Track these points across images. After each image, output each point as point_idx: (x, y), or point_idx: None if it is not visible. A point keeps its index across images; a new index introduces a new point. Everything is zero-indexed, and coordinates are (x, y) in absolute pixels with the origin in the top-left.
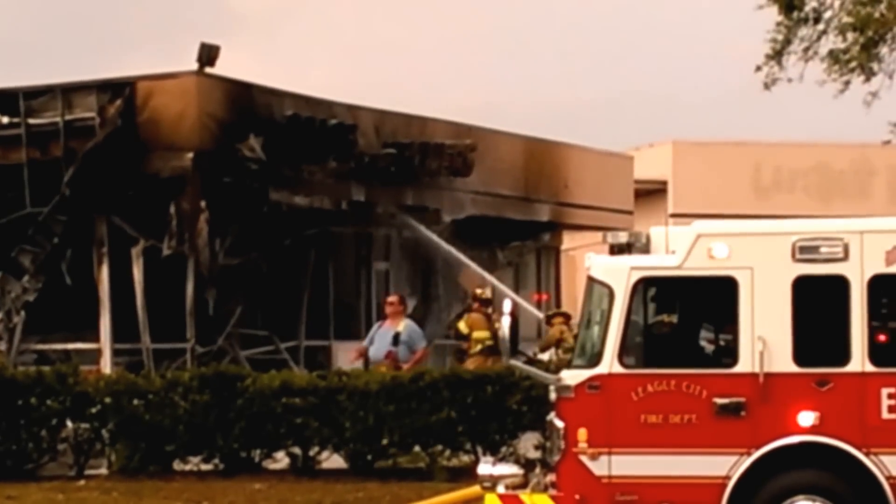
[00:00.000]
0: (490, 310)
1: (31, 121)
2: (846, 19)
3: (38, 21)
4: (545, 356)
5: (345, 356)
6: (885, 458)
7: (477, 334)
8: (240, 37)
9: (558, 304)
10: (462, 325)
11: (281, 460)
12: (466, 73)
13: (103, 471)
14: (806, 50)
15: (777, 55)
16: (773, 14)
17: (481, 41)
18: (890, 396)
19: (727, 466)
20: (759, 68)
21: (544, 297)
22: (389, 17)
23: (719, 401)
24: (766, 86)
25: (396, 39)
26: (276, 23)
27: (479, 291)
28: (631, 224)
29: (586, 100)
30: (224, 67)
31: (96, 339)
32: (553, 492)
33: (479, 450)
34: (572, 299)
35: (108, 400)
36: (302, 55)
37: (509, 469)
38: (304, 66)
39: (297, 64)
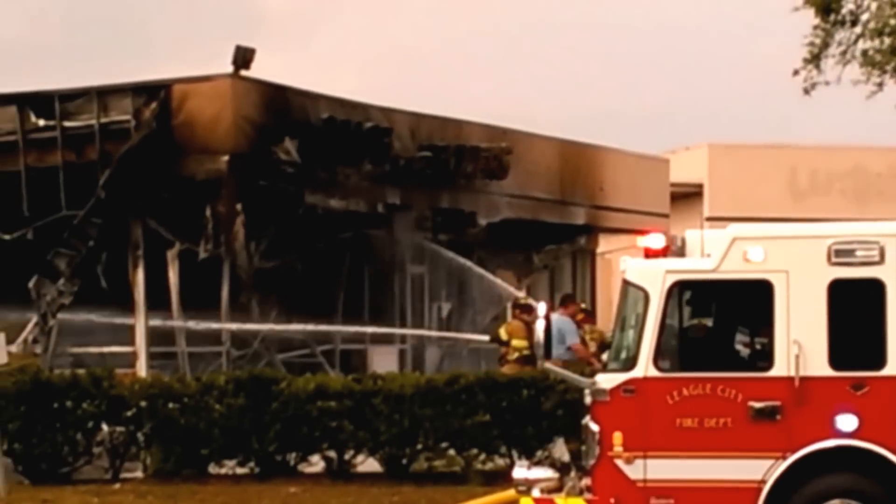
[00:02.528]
0: (530, 317)
1: (67, 124)
2: (872, 25)
3: (73, 24)
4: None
5: (380, 359)
6: None
7: (516, 342)
8: (274, 40)
9: (594, 308)
10: (502, 332)
11: (316, 464)
12: (502, 76)
13: (139, 474)
14: (843, 53)
15: (815, 59)
16: (810, 17)
17: (517, 45)
18: None
19: (763, 470)
20: (796, 72)
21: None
22: (423, 19)
23: (755, 404)
24: (806, 91)
25: (431, 42)
26: (309, 26)
27: (519, 298)
28: (667, 227)
29: (622, 102)
30: (258, 70)
31: (132, 342)
32: (588, 496)
33: (515, 453)
34: (607, 303)
35: (143, 403)
36: (336, 58)
37: (544, 473)
38: (338, 69)
39: (330, 67)
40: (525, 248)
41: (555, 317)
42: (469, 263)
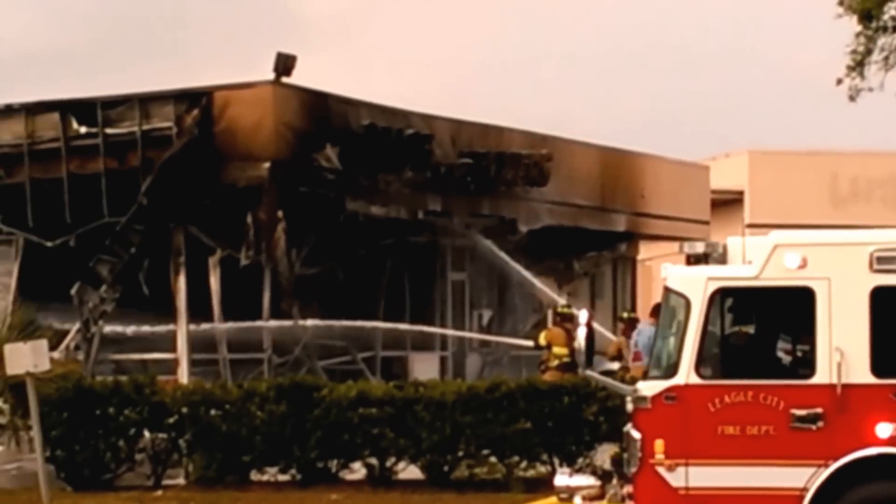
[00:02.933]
0: (570, 324)
1: (109, 131)
2: None
3: (115, 31)
4: (615, 365)
5: (421, 366)
6: None
7: (556, 349)
8: (315, 46)
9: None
10: (542, 338)
11: (357, 471)
12: (542, 82)
13: (180, 481)
14: (886, 59)
15: (858, 66)
16: (852, 24)
17: (557, 50)
18: None
19: (804, 478)
20: (840, 81)
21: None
22: (464, 25)
23: (796, 412)
24: (852, 98)
25: (471, 48)
26: (350, 32)
27: (560, 307)
28: (707, 234)
29: (663, 109)
30: (299, 77)
31: (173, 349)
32: (630, 503)
33: (556, 461)
34: (648, 310)
35: (185, 410)
36: (377, 64)
37: (586, 480)
38: (379, 76)
39: (371, 73)
40: (566, 256)
41: (646, 327)
42: (518, 267)
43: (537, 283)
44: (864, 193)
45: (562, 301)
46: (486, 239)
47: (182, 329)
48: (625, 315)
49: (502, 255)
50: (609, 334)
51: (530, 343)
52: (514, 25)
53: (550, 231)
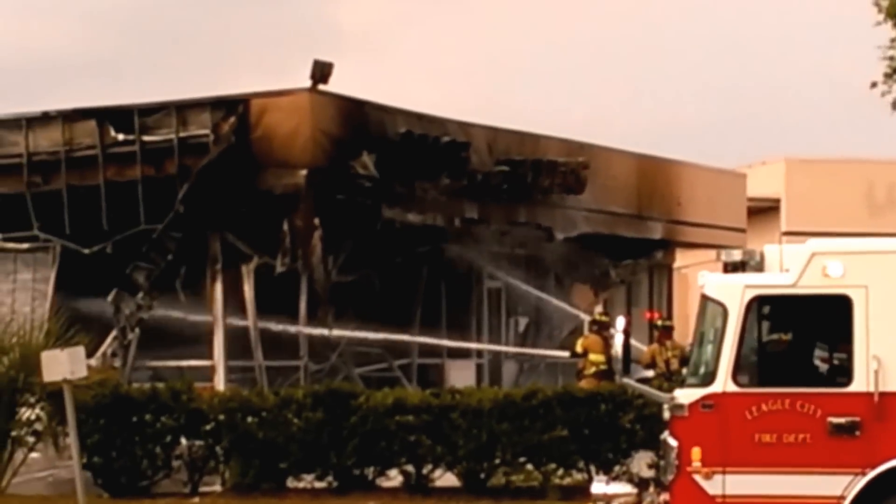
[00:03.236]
0: (607, 332)
1: (146, 138)
2: None
3: (152, 39)
4: (650, 373)
5: (457, 373)
6: None
7: (593, 357)
8: (351, 54)
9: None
10: (578, 346)
11: (394, 478)
12: (578, 90)
13: (217, 488)
14: None
15: (895, 72)
16: (887, 31)
17: (592, 58)
18: None
19: (841, 486)
20: (874, 85)
21: (656, 315)
22: (500, 33)
23: (834, 420)
24: (894, 105)
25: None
26: (387, 39)
27: (596, 314)
28: (744, 242)
29: (699, 117)
30: (336, 84)
31: (210, 356)
32: None
33: (593, 468)
34: (684, 317)
35: (222, 417)
36: (413, 72)
37: (623, 488)
38: (416, 84)
39: (407, 80)
40: (602, 263)
41: None
42: (540, 294)
43: (565, 305)
44: None
45: (598, 308)
46: (517, 251)
47: (218, 336)
48: (659, 323)
49: (526, 288)
50: (640, 345)
51: (566, 354)
52: (549, 32)
53: (587, 238)
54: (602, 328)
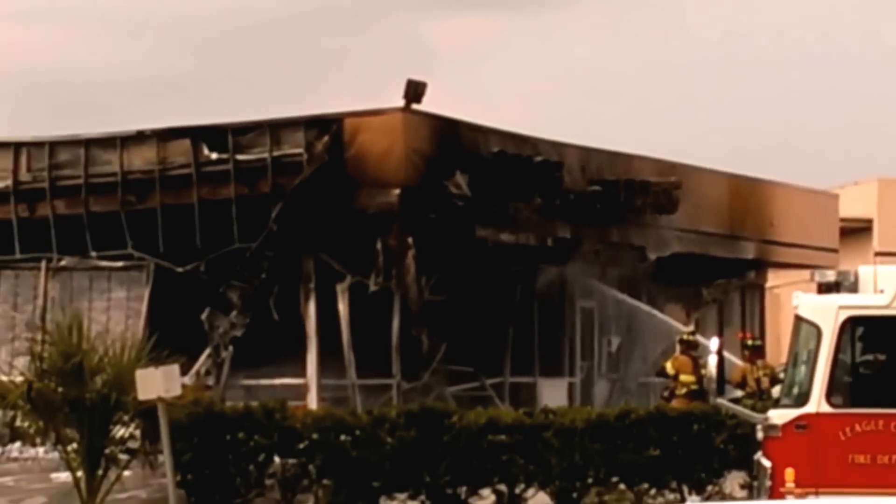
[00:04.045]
0: (696, 352)
1: (240, 157)
2: None
3: (245, 59)
4: (739, 393)
5: (549, 393)
6: None
7: (683, 377)
8: (444, 74)
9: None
10: (668, 366)
11: (487, 497)
12: (671, 110)
13: None
14: None
15: None
16: None
17: (684, 77)
18: None
19: None
20: None
21: (748, 335)
22: (592, 52)
23: None
24: None
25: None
26: (479, 59)
27: (685, 335)
28: (836, 262)
29: (791, 137)
30: (429, 104)
31: (303, 374)
32: None
33: (685, 488)
34: (776, 338)
35: (315, 436)
36: (505, 91)
37: None
38: (509, 103)
39: (500, 100)
40: (694, 283)
41: None
42: (636, 303)
43: (664, 317)
44: None
45: (689, 328)
46: (609, 271)
47: (311, 354)
48: (749, 342)
49: (621, 296)
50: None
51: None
52: (640, 52)
53: (679, 258)
54: (691, 348)
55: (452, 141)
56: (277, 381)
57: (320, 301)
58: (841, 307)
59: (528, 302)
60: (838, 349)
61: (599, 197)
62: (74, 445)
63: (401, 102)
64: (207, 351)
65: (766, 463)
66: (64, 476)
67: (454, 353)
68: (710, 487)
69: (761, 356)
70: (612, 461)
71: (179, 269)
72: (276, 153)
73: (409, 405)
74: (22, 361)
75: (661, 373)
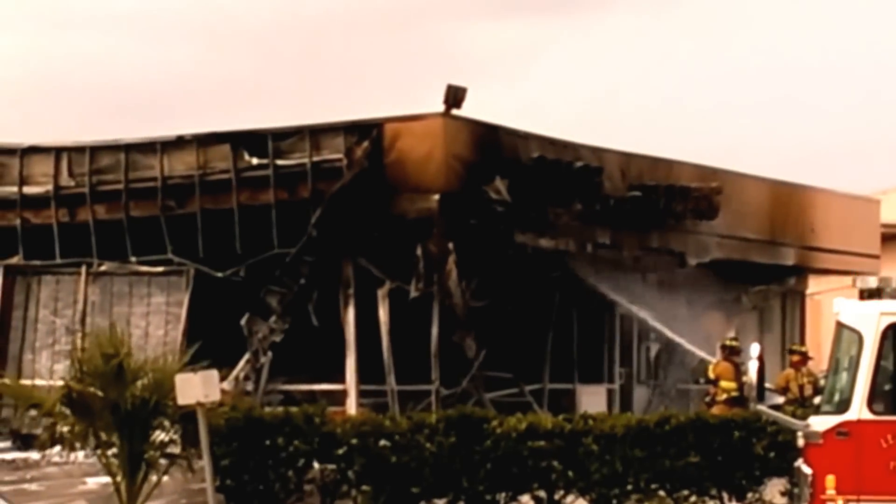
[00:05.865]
0: (738, 358)
1: (280, 162)
2: None
3: (286, 63)
4: (780, 399)
5: (589, 399)
6: None
7: (724, 384)
8: (484, 79)
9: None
10: (710, 372)
11: (526, 503)
12: (711, 114)
13: None
14: None
15: None
16: None
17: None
18: None
19: None
20: None
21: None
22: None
23: None
24: None
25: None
26: (519, 64)
27: (727, 340)
28: (877, 268)
29: (833, 142)
30: (469, 109)
31: (342, 379)
32: None
33: (725, 495)
34: (817, 344)
35: (354, 441)
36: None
37: None
38: (549, 109)
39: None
40: (734, 289)
41: None
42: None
43: (689, 346)
44: None
45: (730, 334)
46: (648, 276)
47: (351, 360)
48: (793, 348)
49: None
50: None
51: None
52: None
53: (719, 264)
54: (732, 353)
55: (492, 146)
56: (316, 387)
57: (359, 307)
58: (883, 314)
59: (567, 308)
60: (880, 356)
61: (639, 202)
62: (114, 450)
63: (441, 108)
64: (246, 356)
65: (807, 470)
66: (103, 480)
67: (493, 360)
68: (750, 495)
69: (806, 363)
70: (652, 468)
71: (219, 275)
72: (315, 158)
73: (449, 411)
74: (62, 366)
75: (704, 379)
